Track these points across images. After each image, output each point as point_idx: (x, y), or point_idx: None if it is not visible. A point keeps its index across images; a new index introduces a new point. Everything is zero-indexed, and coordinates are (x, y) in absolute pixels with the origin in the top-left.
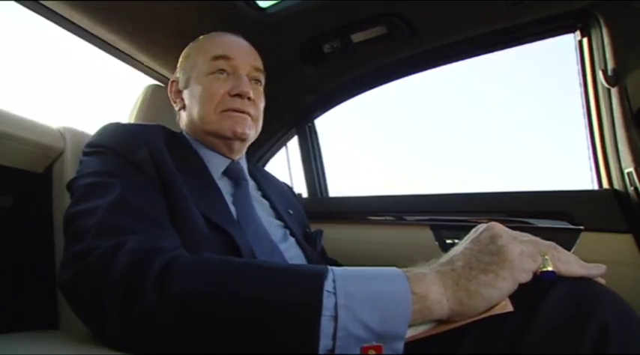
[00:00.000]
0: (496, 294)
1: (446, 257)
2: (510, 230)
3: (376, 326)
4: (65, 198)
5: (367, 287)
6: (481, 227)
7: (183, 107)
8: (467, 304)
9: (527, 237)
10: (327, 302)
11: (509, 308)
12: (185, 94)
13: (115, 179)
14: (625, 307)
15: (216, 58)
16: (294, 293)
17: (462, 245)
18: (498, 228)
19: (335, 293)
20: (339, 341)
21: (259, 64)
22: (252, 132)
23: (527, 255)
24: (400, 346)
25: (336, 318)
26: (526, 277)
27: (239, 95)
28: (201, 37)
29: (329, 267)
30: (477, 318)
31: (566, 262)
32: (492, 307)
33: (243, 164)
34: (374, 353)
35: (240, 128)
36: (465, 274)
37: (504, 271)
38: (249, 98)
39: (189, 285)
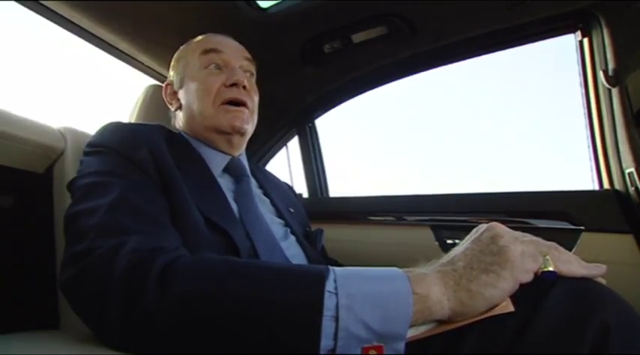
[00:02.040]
0: (497, 294)
1: (447, 257)
2: (511, 230)
3: (377, 327)
4: (66, 198)
5: (368, 288)
6: (482, 227)
7: (180, 106)
8: (468, 304)
9: (528, 237)
10: (329, 302)
11: (511, 308)
12: (181, 94)
13: (116, 179)
14: (626, 307)
15: (207, 51)
16: (296, 294)
17: (462, 245)
18: (499, 228)
19: (336, 294)
20: (340, 342)
21: (249, 56)
22: (250, 126)
23: (528, 255)
24: (401, 346)
25: (337, 318)
26: (527, 277)
27: (235, 85)
28: (191, 40)
29: (330, 267)
30: (477, 318)
31: (566, 262)
32: (493, 307)
33: (244, 161)
34: (375, 353)
35: (238, 122)
36: (466, 274)
37: (505, 271)
38: (244, 87)
39: (190, 285)
